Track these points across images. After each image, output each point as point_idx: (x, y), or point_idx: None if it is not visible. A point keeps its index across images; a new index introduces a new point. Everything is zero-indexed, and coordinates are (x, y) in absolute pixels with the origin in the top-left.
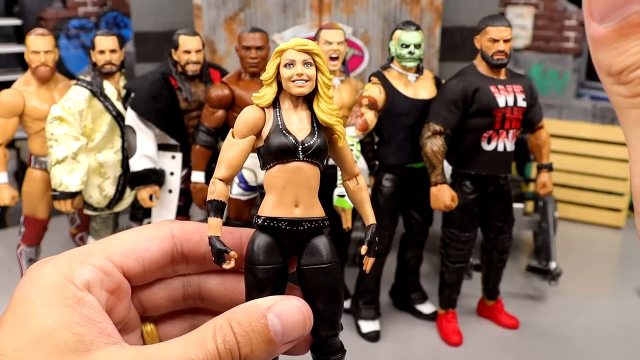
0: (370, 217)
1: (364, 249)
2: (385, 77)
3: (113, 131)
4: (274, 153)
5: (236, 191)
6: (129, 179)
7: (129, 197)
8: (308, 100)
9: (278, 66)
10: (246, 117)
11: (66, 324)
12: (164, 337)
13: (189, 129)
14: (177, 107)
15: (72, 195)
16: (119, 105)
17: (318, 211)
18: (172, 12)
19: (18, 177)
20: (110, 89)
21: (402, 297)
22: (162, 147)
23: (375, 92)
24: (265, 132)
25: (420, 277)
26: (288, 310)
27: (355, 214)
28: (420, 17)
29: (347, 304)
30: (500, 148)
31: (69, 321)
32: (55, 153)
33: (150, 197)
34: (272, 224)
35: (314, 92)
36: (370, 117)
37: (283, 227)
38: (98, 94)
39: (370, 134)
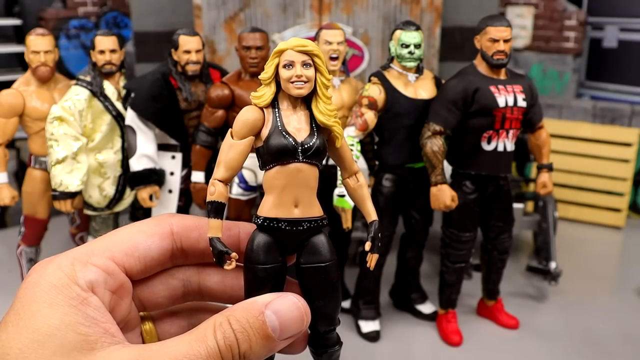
0: (372, 214)
1: (367, 245)
2: (385, 77)
3: (113, 131)
4: (273, 154)
5: (236, 191)
6: (129, 179)
7: (129, 197)
8: (306, 100)
9: (277, 66)
10: (245, 118)
11: (71, 324)
12: (163, 335)
13: (189, 129)
14: (177, 107)
15: (72, 195)
16: (119, 105)
17: (317, 211)
18: (172, 12)
19: (18, 177)
20: (110, 89)
21: (402, 297)
22: (162, 147)
23: (375, 92)
24: (264, 133)
25: (420, 277)
26: (285, 307)
27: (355, 214)
28: (420, 17)
29: (347, 304)
30: (500, 148)
31: (74, 321)
32: (55, 153)
33: (150, 197)
34: (271, 224)
35: (313, 92)
36: (370, 117)
37: (283, 227)
38: (98, 94)
39: (370, 134)
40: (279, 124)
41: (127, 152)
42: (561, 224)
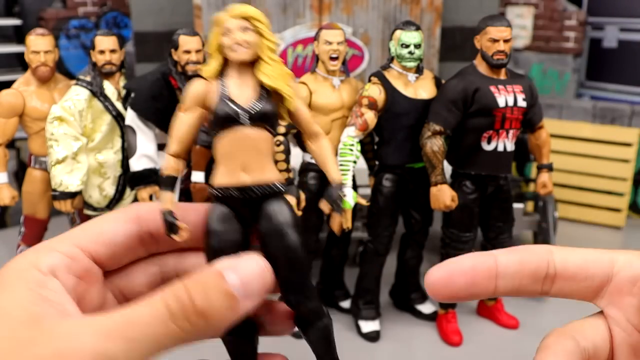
0: (332, 175)
1: (327, 208)
2: (385, 77)
3: (113, 131)
4: (220, 122)
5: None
6: (129, 179)
7: (129, 197)
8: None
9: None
10: (191, 91)
11: (21, 303)
12: None
13: None
14: (177, 107)
15: (72, 195)
16: (119, 105)
17: (270, 176)
18: (172, 12)
19: (18, 177)
20: (110, 89)
21: (402, 297)
22: (162, 147)
23: (375, 92)
24: (212, 104)
25: (420, 277)
26: (243, 263)
27: (355, 214)
28: (420, 17)
29: (347, 304)
30: (500, 148)
31: (25, 301)
32: (55, 153)
33: (151, 197)
34: (223, 193)
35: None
36: (370, 117)
37: (235, 195)
38: (98, 94)
39: (370, 134)
40: (225, 92)
41: (127, 152)
42: (561, 224)
